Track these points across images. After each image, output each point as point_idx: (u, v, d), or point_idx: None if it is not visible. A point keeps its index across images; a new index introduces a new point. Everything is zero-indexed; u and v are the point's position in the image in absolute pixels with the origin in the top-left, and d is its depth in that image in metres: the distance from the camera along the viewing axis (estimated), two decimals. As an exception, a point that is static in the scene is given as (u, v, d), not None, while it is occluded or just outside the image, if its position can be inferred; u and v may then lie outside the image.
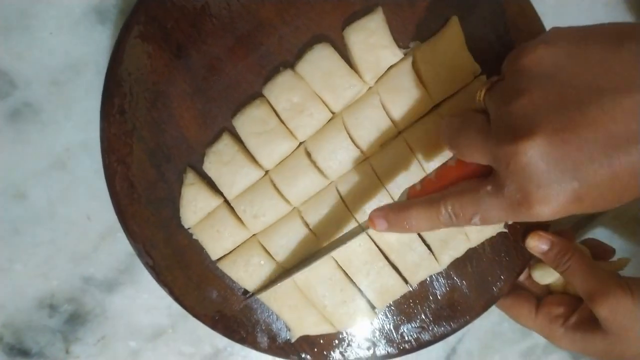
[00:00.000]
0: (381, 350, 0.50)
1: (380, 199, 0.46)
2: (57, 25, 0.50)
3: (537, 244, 0.45)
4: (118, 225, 0.47)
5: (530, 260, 0.49)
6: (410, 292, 0.49)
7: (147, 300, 0.55)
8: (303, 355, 0.50)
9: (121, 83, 0.44)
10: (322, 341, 0.50)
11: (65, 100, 0.51)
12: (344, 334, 0.50)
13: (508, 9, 0.45)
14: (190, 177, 0.46)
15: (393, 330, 0.50)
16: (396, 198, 0.46)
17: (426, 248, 0.48)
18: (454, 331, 0.50)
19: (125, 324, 0.55)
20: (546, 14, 0.47)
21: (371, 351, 0.50)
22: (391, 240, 0.47)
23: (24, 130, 0.51)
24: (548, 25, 0.46)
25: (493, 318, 0.59)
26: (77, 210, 0.53)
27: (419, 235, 0.48)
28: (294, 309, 0.48)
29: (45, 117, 0.51)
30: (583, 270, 0.43)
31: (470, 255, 0.49)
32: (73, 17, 0.50)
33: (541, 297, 0.49)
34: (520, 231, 0.48)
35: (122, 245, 0.53)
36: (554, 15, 0.53)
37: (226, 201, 0.47)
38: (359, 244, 0.47)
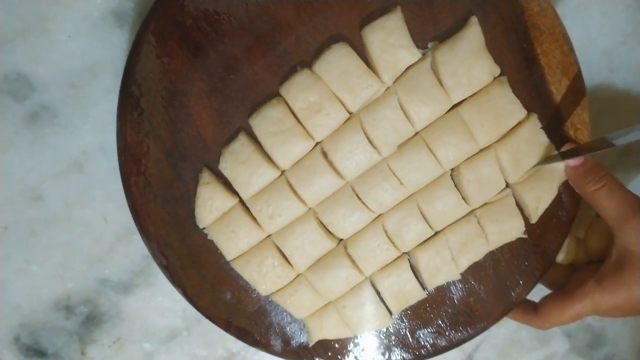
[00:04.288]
0: (396, 355, 0.49)
1: (398, 200, 0.46)
2: (75, 28, 0.50)
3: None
4: (133, 227, 0.47)
5: (550, 266, 0.48)
6: (426, 296, 0.48)
7: (162, 302, 0.55)
8: None
9: (138, 81, 0.45)
10: (336, 345, 0.49)
11: (82, 103, 0.51)
12: (359, 338, 0.49)
13: (528, 9, 0.45)
14: (206, 177, 0.46)
15: (409, 335, 0.49)
16: (414, 199, 0.46)
17: (450, 253, 0.47)
18: (470, 337, 0.49)
19: (140, 326, 0.55)
20: (566, 16, 0.46)
21: (386, 356, 0.49)
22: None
23: (41, 132, 0.51)
24: (568, 27, 0.45)
25: (510, 326, 0.58)
26: (93, 213, 0.53)
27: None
28: (312, 311, 0.47)
29: (63, 120, 0.51)
30: (619, 191, 0.43)
31: (489, 259, 0.48)
32: (91, 21, 0.50)
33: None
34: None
35: (137, 247, 0.53)
36: (574, 18, 0.53)
37: (242, 201, 0.46)
38: (377, 243, 0.46)
